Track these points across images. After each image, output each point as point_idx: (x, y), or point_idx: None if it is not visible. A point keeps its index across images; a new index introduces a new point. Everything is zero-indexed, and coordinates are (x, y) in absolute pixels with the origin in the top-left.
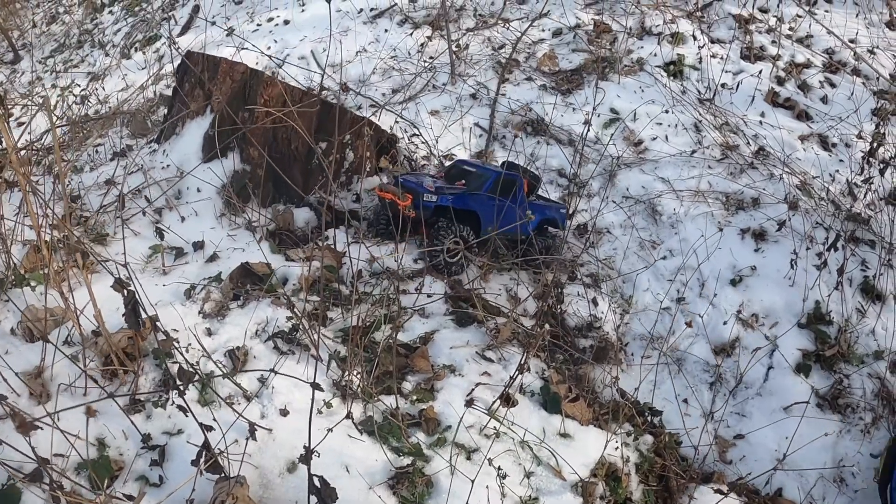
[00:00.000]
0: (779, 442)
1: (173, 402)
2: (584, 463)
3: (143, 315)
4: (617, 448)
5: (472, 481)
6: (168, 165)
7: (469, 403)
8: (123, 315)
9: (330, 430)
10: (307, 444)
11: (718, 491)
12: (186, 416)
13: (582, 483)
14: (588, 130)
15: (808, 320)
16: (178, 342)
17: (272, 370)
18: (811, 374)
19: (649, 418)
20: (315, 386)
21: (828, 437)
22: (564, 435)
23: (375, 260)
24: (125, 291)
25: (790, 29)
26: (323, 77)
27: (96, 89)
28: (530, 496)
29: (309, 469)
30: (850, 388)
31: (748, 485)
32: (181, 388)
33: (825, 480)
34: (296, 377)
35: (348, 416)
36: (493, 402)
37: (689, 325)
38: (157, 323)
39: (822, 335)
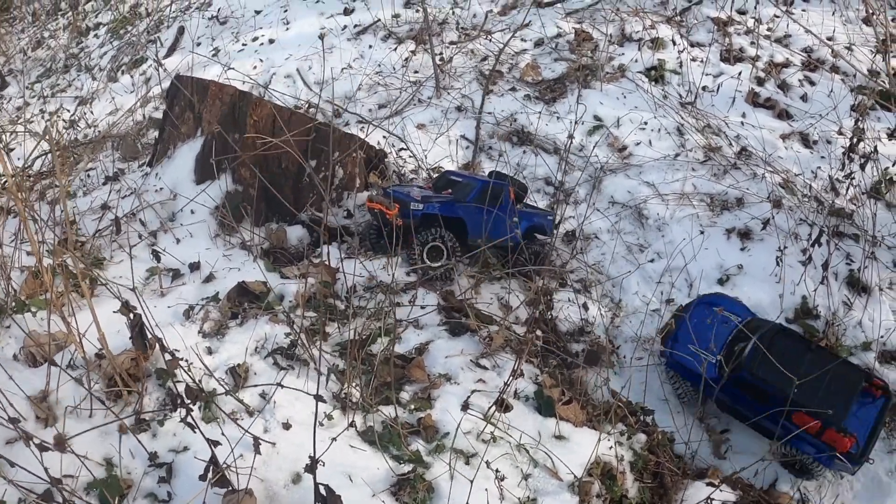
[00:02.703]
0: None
1: (181, 419)
2: (579, 463)
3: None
4: (611, 447)
5: (471, 483)
6: (161, 188)
7: (465, 408)
8: (130, 338)
9: (334, 439)
10: (312, 454)
11: (710, 484)
12: (194, 432)
13: (578, 482)
14: (571, 143)
15: (795, 315)
16: (187, 361)
17: (278, 384)
18: None
19: (642, 417)
20: (318, 398)
21: None
22: (559, 437)
23: (372, 281)
24: (131, 315)
25: (768, 29)
26: (320, 98)
27: (85, 113)
28: (528, 497)
29: (315, 478)
30: None
31: (742, 479)
32: (189, 406)
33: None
34: (299, 389)
35: (351, 425)
36: (490, 408)
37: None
38: (164, 343)
39: (811, 329)
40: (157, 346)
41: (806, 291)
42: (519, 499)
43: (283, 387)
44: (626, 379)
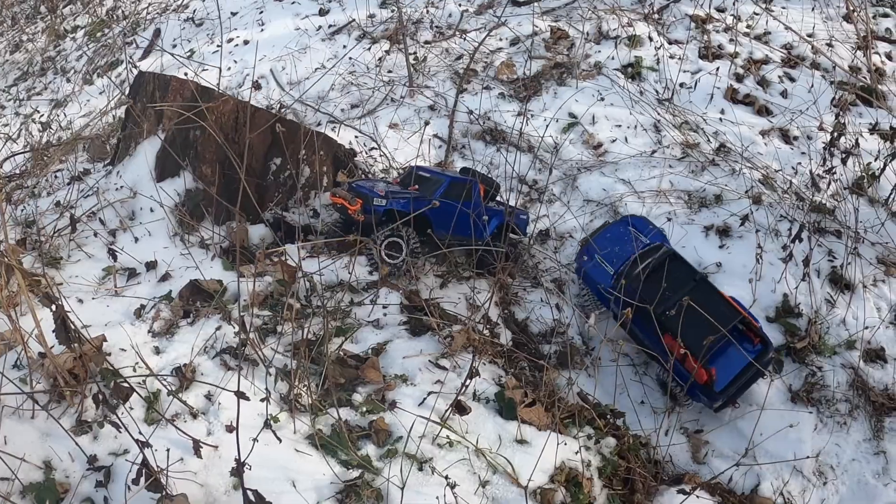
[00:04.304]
0: (749, 438)
1: (106, 419)
2: (542, 469)
3: (82, 332)
4: (577, 452)
5: (423, 490)
6: (122, 187)
7: (392, 405)
8: (53, 331)
9: (254, 439)
10: (237, 457)
11: (681, 491)
12: (119, 432)
13: (540, 490)
14: (524, 123)
15: (776, 314)
16: (109, 360)
17: (219, 386)
18: (783, 368)
19: (612, 420)
20: (240, 395)
21: (804, 430)
22: (521, 441)
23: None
24: (53, 307)
25: (748, 26)
26: (283, 92)
27: (58, 115)
28: None
29: (242, 482)
30: (823, 380)
31: (721, 484)
32: (114, 405)
33: (802, 475)
34: (229, 390)
35: (267, 425)
36: (446, 411)
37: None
38: (81, 333)
39: (792, 328)
40: (92, 342)
41: (787, 289)
42: None
43: (223, 389)
44: (598, 380)
